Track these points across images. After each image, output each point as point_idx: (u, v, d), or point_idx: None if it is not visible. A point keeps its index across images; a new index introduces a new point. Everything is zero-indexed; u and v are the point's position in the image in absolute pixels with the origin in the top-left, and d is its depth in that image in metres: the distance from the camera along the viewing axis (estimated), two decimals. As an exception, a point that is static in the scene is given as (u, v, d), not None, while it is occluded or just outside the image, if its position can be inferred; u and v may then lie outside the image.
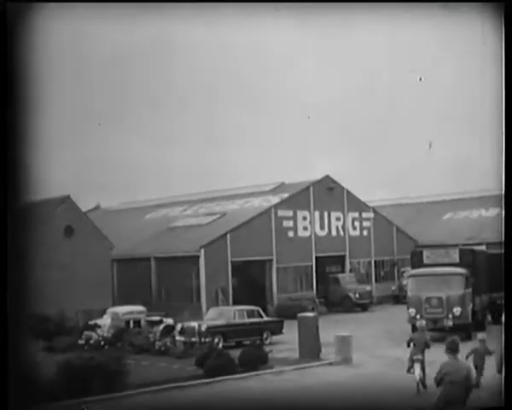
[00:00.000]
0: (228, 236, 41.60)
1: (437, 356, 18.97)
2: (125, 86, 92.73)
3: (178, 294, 41.20)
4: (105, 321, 29.97)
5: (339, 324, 33.96)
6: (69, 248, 37.74)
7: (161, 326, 29.27)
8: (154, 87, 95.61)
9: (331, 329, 27.17)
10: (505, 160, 11.43)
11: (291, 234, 45.12)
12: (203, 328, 27.25)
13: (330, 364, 22.85)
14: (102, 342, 26.86)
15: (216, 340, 26.95)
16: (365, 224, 50.74)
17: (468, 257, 30.01)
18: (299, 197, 46.49)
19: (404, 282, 39.70)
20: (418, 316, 26.83)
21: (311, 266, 45.99)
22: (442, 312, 27.27)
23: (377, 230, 51.42)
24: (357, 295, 44.44)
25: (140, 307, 31.66)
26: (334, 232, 48.12)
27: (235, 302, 38.66)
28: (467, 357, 16.00)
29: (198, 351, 23.51)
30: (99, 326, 29.27)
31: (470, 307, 28.17)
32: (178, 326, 28.24)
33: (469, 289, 28.39)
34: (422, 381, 17.75)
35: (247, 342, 27.02)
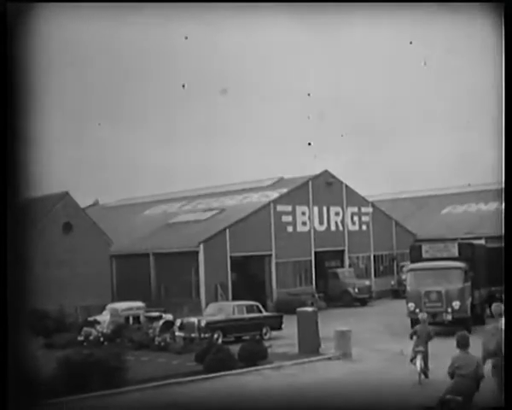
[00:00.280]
0: (227, 231, 41.57)
1: (437, 350, 19.12)
2: (125, 86, 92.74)
3: (178, 290, 41.19)
4: (104, 317, 29.97)
5: (338, 318, 33.97)
6: (68, 244, 37.71)
7: (161, 322, 29.26)
8: (154, 86, 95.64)
9: (330, 324, 27.17)
10: (505, 155, 11.44)
11: (290, 229, 45.10)
12: (202, 323, 27.27)
13: (329, 359, 22.87)
14: (102, 339, 26.86)
15: (215, 335, 26.97)
16: (364, 218, 50.73)
17: (467, 251, 30.04)
18: (298, 192, 46.46)
19: (404, 276, 39.74)
20: (417, 310, 26.84)
21: (311, 260, 45.99)
22: (441, 306, 27.28)
23: (376, 224, 51.41)
24: (357, 290, 44.47)
25: (139, 303, 31.65)
26: (333, 227, 48.10)
27: (235, 298, 38.65)
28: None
29: (197, 347, 23.52)
30: (98, 322, 29.27)
31: (469, 300, 28.20)
32: (178, 322, 28.27)
33: (468, 283, 28.41)
34: (424, 371, 18.19)
35: (247, 338, 27.00)
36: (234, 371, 20.46)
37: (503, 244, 12.17)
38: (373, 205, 52.26)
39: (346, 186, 49.53)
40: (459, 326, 23.35)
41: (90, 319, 30.42)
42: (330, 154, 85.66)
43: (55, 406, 16.27)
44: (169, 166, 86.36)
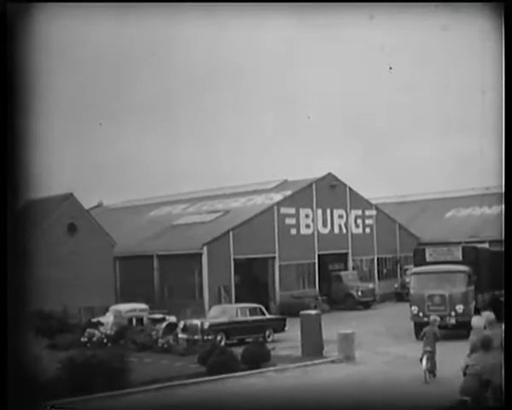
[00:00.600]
0: (230, 233, 41.58)
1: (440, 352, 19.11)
2: (125, 86, 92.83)
3: (181, 291, 41.22)
4: (108, 319, 30.02)
5: (341, 321, 33.95)
6: (72, 245, 37.78)
7: (164, 324, 29.28)
8: (156, 86, 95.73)
9: (334, 326, 27.16)
10: (505, 158, 11.43)
11: (294, 231, 45.09)
12: (206, 326, 27.27)
13: (333, 361, 22.85)
14: (105, 340, 26.87)
15: (218, 337, 26.97)
16: (368, 221, 50.69)
17: (471, 255, 29.96)
18: (302, 195, 46.46)
19: (407, 279, 39.69)
20: (421, 314, 26.84)
21: (314, 263, 45.97)
22: (445, 309, 27.23)
23: (380, 227, 51.38)
24: (360, 293, 44.41)
25: (142, 305, 31.70)
26: (336, 230, 48.08)
27: (238, 300, 38.65)
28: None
29: (200, 349, 23.49)
30: (102, 324, 29.31)
31: (473, 304, 28.13)
32: (181, 324, 28.28)
33: (472, 287, 28.35)
34: (430, 370, 18.52)
35: (250, 340, 27.03)
36: (237, 374, 20.46)
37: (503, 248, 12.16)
38: (377, 208, 52.22)
39: (350, 189, 49.52)
40: (462, 330, 23.30)
41: (94, 320, 30.47)
42: (329, 154, 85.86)
43: (57, 407, 16.29)
44: (169, 167, 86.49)
